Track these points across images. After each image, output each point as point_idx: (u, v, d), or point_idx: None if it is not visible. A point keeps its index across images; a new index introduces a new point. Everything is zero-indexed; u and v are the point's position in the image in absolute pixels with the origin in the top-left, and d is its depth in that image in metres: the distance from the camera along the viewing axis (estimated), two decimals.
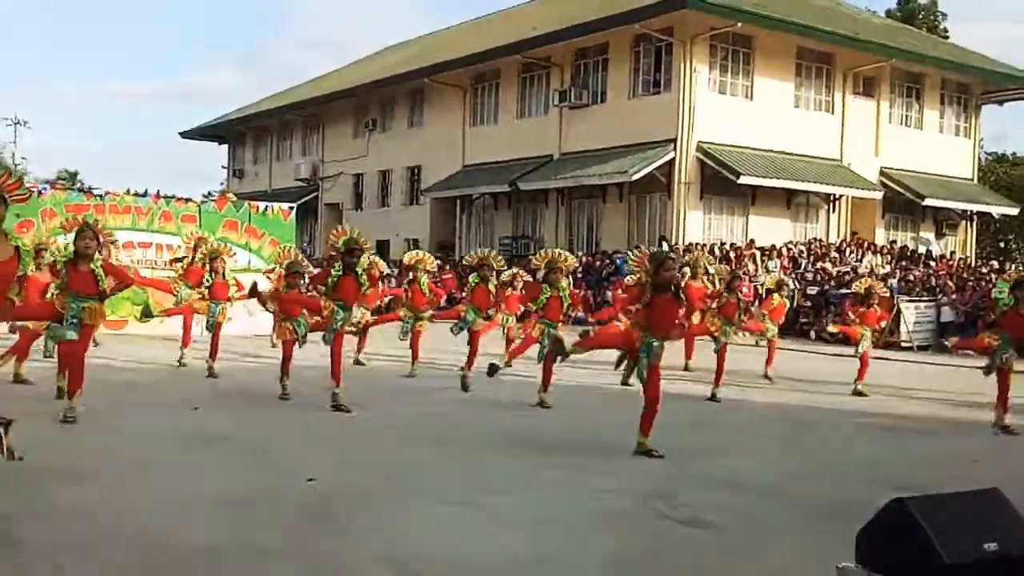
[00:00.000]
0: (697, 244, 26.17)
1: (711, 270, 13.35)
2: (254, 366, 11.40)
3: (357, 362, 12.66)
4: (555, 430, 8.64)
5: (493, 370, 9.40)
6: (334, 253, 9.24)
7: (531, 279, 12.38)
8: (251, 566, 4.46)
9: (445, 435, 8.17)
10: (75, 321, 7.80)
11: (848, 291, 22.16)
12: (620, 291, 12.13)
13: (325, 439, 7.85)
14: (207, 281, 11.45)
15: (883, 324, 12.70)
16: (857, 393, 11.87)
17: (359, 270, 9.16)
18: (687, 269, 12.66)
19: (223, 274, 11.50)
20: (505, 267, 12.20)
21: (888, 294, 12.68)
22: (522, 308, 11.86)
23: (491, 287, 11.23)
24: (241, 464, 6.67)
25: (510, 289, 12.48)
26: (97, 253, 8.12)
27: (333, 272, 9.13)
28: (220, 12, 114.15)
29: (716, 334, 11.10)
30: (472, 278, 11.28)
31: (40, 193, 17.01)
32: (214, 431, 7.86)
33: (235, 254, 12.19)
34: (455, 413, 9.48)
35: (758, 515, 5.77)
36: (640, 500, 5.95)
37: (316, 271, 10.68)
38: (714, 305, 11.39)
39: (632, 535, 5.22)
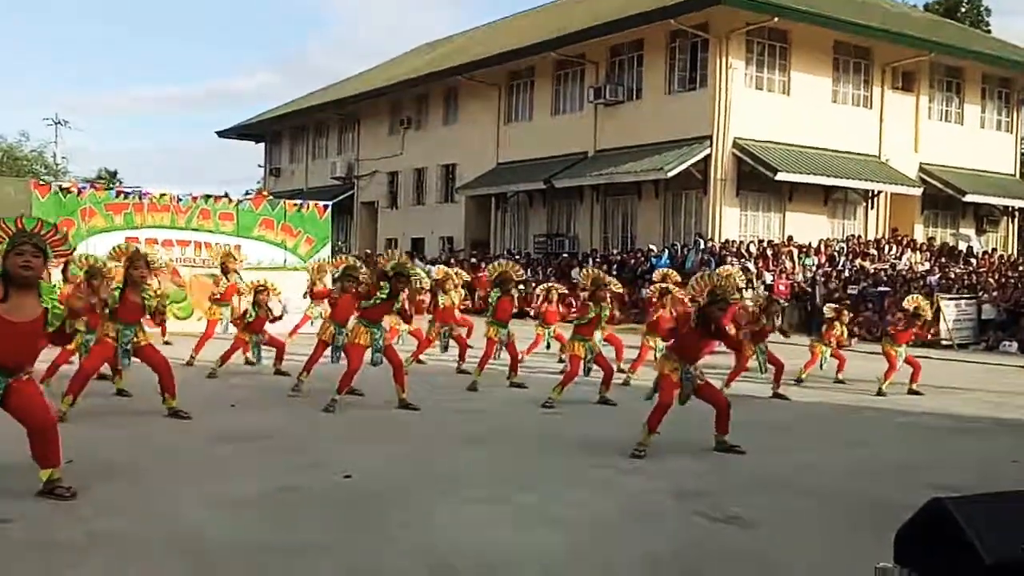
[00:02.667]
0: (733, 241, 26.04)
1: (742, 286, 13.20)
2: (291, 364, 11.47)
3: (419, 360, 12.81)
4: (594, 429, 8.62)
5: (548, 404, 9.64)
6: (385, 272, 9.33)
7: (567, 292, 12.54)
8: (289, 562, 4.49)
9: (486, 434, 8.18)
10: (128, 348, 8.25)
11: (886, 289, 22.05)
12: (660, 305, 12.09)
13: (362, 436, 7.89)
14: (250, 315, 11.49)
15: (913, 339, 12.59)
16: (913, 392, 11.84)
17: (401, 297, 9.33)
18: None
19: (265, 307, 11.47)
20: (522, 275, 12.23)
21: (928, 311, 12.55)
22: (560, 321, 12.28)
23: (514, 298, 11.31)
24: (279, 461, 6.72)
25: (547, 304, 12.59)
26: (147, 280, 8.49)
27: (379, 292, 9.23)
28: (257, 15, 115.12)
29: (750, 355, 11.05)
30: (493, 293, 11.29)
31: (80, 192, 17.24)
32: (252, 428, 7.95)
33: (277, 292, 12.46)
34: (498, 412, 9.50)
35: (798, 515, 5.73)
36: (678, 499, 5.93)
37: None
38: (746, 330, 11.26)
39: (669, 534, 5.19)
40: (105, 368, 9.21)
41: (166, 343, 14.19)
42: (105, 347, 8.26)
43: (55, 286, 5.68)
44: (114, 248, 10.14)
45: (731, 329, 8.51)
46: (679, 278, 12.53)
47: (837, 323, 12.79)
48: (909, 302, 12.40)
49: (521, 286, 12.82)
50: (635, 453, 7.17)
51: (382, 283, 9.25)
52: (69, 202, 16.86)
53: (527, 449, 7.58)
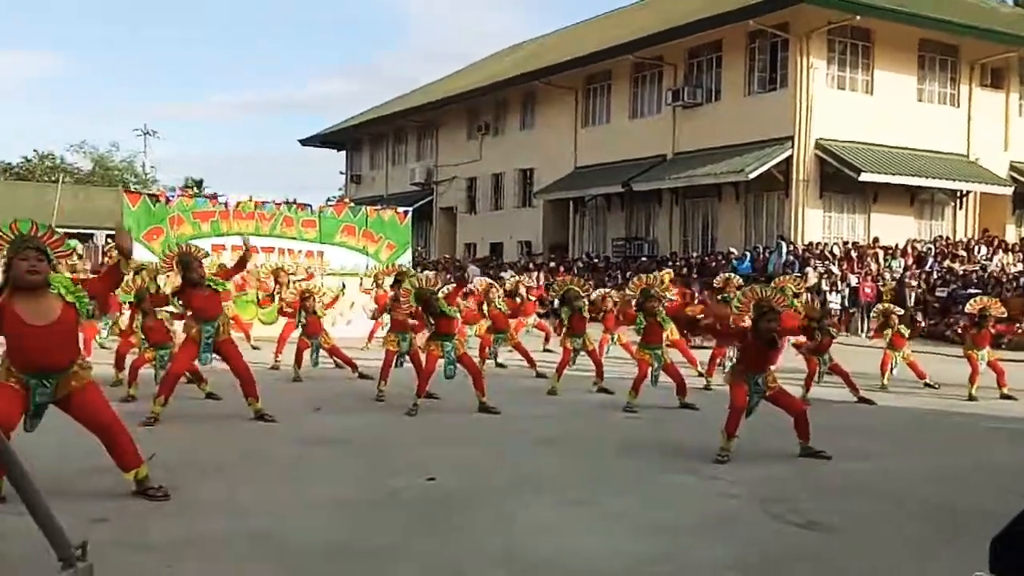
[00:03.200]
0: (816, 244, 25.61)
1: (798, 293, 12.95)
2: (371, 370, 11.64)
3: (499, 365, 12.94)
4: (674, 434, 8.57)
5: (629, 408, 9.66)
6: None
7: (621, 299, 12.51)
8: (371, 565, 4.55)
9: (567, 438, 8.20)
10: (209, 342, 8.38)
11: (977, 291, 21.43)
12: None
13: (444, 440, 7.96)
14: (302, 321, 11.87)
15: (1005, 337, 12.17)
16: (1006, 397, 11.54)
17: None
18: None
19: (314, 311, 11.89)
20: (588, 289, 12.24)
21: (1003, 310, 12.06)
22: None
23: (584, 312, 11.31)
24: (362, 464, 6.82)
25: (602, 311, 12.64)
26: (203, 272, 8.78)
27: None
28: (333, 21, 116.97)
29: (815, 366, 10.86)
30: (564, 312, 11.36)
31: (168, 200, 17.72)
32: (336, 432, 8.07)
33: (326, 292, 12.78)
34: (578, 416, 9.51)
35: (881, 521, 5.61)
36: (759, 504, 5.86)
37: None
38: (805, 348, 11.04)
39: (750, 539, 5.13)
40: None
41: (253, 347, 14.55)
42: (190, 347, 8.43)
43: (67, 277, 5.67)
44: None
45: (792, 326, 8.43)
46: (741, 282, 12.34)
47: (888, 326, 12.43)
48: (972, 305, 12.04)
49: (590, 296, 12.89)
50: (718, 459, 7.10)
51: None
52: (158, 210, 17.33)
53: (608, 453, 7.56)
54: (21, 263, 5.20)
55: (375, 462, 6.89)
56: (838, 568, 4.76)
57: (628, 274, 27.78)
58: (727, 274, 13.78)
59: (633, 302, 10.21)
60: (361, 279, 17.40)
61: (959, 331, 12.14)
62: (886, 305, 13.25)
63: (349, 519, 5.32)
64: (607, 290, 13.62)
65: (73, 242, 28.27)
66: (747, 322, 7.48)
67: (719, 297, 12.24)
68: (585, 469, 6.95)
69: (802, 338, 9.89)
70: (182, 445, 6.98)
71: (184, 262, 8.74)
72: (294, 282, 13.99)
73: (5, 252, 5.33)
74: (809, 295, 20.53)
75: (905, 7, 26.01)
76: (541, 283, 21.57)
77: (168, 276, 10.49)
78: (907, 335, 12.47)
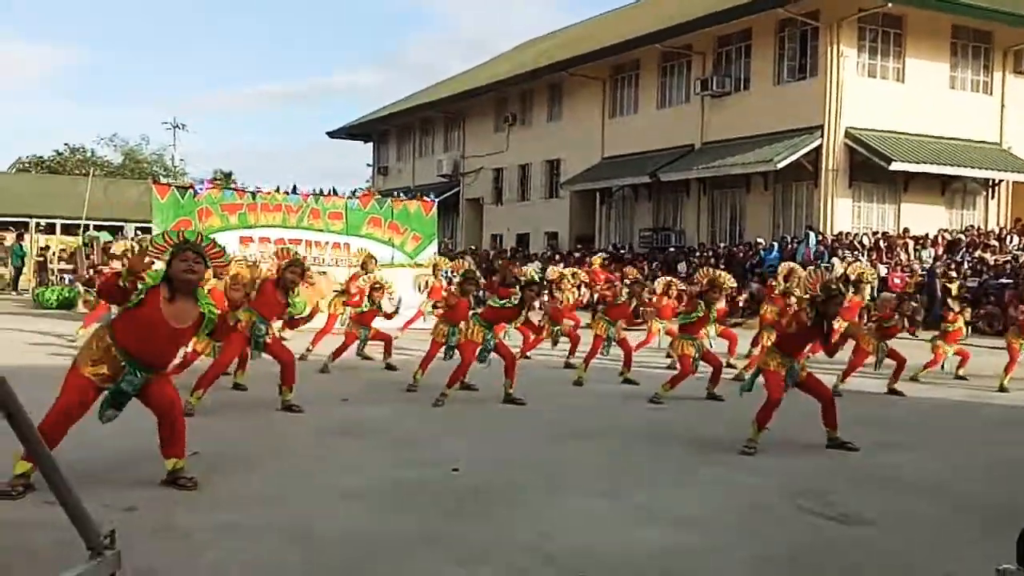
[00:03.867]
0: (846, 234, 25.40)
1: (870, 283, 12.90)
2: (400, 359, 11.68)
3: (525, 356, 12.92)
4: (701, 425, 8.54)
5: (655, 399, 9.66)
6: (517, 279, 9.53)
7: (686, 289, 12.47)
8: (398, 553, 4.57)
9: (594, 429, 8.18)
10: (261, 340, 8.56)
11: (1008, 281, 21.17)
12: (771, 306, 11.97)
13: (470, 431, 7.96)
14: (364, 306, 11.98)
15: None
16: None
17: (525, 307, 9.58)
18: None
19: (378, 303, 11.94)
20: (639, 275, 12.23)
21: None
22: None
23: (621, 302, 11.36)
24: (389, 455, 6.84)
25: (666, 298, 12.57)
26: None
27: (512, 298, 9.44)
28: (359, 13, 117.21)
29: (870, 351, 10.77)
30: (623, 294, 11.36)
31: (196, 193, 17.83)
32: (363, 422, 8.11)
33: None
34: (605, 407, 9.50)
35: (915, 514, 5.56)
36: (788, 496, 5.82)
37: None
38: (873, 324, 10.98)
39: (779, 532, 5.10)
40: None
41: (283, 338, 14.59)
42: (238, 338, 8.40)
43: (207, 292, 5.95)
44: (280, 249, 10.67)
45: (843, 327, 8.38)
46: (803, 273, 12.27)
47: (961, 317, 12.32)
48: None
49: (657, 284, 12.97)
50: (745, 450, 7.07)
51: (513, 290, 9.40)
52: (187, 202, 17.43)
53: (635, 445, 7.54)
54: (180, 263, 5.45)
55: (403, 453, 6.91)
56: (870, 561, 4.72)
57: (655, 264, 27.77)
58: (790, 263, 13.67)
59: (698, 290, 10.25)
60: (418, 283, 17.16)
61: (1020, 316, 11.93)
62: (956, 294, 13.14)
63: (375, 509, 5.33)
64: (670, 279, 13.50)
65: (104, 234, 28.56)
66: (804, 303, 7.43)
67: (783, 288, 12.14)
68: (612, 461, 6.93)
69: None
70: (210, 436, 7.02)
71: (293, 263, 8.85)
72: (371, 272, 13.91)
73: (167, 255, 5.56)
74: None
75: None
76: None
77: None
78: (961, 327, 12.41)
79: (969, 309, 12.68)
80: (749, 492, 5.96)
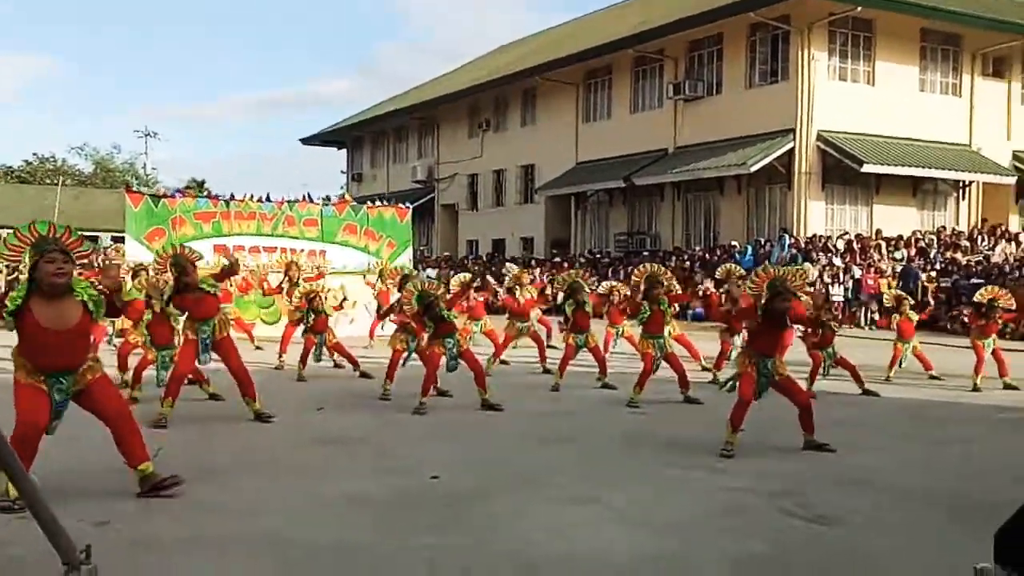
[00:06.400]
0: (819, 236, 25.57)
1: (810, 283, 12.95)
2: (374, 368, 11.65)
3: (502, 362, 12.91)
4: (679, 429, 8.55)
5: (633, 405, 9.64)
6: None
7: (628, 293, 12.44)
8: (378, 563, 4.54)
9: (571, 434, 8.17)
10: (207, 343, 8.36)
11: (980, 281, 21.39)
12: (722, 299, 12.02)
13: (448, 438, 7.94)
14: (308, 320, 11.76)
15: (1010, 326, 12.13)
16: (1009, 387, 11.49)
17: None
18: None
19: (322, 310, 11.79)
20: (595, 283, 12.24)
21: (1011, 300, 12.04)
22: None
23: (587, 308, 11.22)
24: (365, 463, 6.81)
25: (608, 304, 12.64)
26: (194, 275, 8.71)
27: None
28: (332, 21, 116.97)
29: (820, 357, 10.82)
30: (568, 306, 11.20)
31: (170, 199, 17.70)
32: (339, 431, 8.06)
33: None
34: (582, 412, 9.49)
35: (890, 513, 5.59)
36: (766, 499, 5.83)
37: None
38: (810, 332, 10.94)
39: (758, 534, 5.11)
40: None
41: (257, 348, 14.55)
42: (190, 346, 8.41)
43: (80, 277, 5.63)
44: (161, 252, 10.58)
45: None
46: (743, 272, 12.29)
47: (897, 311, 12.39)
48: (982, 295, 12.00)
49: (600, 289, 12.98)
50: (723, 452, 7.09)
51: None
52: (161, 211, 17.32)
53: (613, 449, 7.54)
54: (47, 265, 5.18)
55: (379, 461, 6.88)
56: (848, 561, 4.74)
57: (630, 269, 27.84)
58: (728, 264, 13.72)
59: (640, 290, 10.20)
60: (364, 275, 17.37)
61: (967, 320, 12.08)
62: (895, 291, 13.21)
63: (354, 518, 5.30)
64: (615, 283, 13.56)
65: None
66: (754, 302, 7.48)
67: (722, 289, 12.24)
68: (590, 465, 6.93)
69: (807, 330, 9.86)
70: (186, 446, 6.97)
71: (178, 264, 8.72)
72: (303, 279, 13.94)
73: (27, 254, 5.31)
74: (817, 287, 20.51)
75: None
76: (542, 278, 21.46)
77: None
78: (915, 320, 12.40)
79: (907, 301, 12.56)
80: (727, 494, 5.96)
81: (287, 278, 13.88)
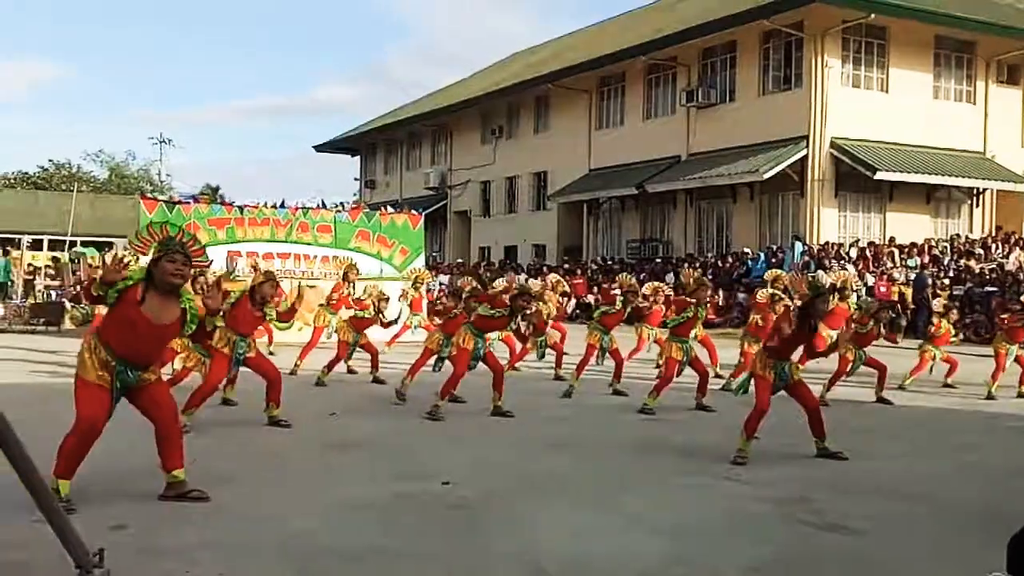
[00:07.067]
0: (832, 243, 25.50)
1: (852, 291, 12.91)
2: (388, 373, 11.67)
3: (514, 368, 12.92)
4: (691, 435, 8.54)
5: (645, 410, 9.64)
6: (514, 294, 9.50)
7: (673, 294, 12.45)
8: (392, 567, 4.55)
9: (584, 440, 8.18)
10: (241, 358, 8.48)
11: (994, 289, 21.29)
12: (759, 312, 11.90)
13: (461, 443, 7.95)
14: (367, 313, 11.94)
15: None
16: (1022, 395, 11.48)
17: (519, 317, 9.42)
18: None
19: (381, 312, 11.95)
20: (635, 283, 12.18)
21: None
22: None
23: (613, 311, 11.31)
24: (378, 468, 6.82)
25: (654, 305, 12.55)
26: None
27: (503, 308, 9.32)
28: (347, 29, 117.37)
29: (851, 358, 10.79)
30: (609, 309, 11.34)
31: (185, 206, 17.80)
32: (352, 436, 8.08)
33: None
34: (595, 418, 9.50)
35: (903, 521, 5.58)
36: (779, 506, 5.83)
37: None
38: (854, 329, 10.89)
39: (770, 541, 5.11)
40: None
41: (271, 353, 14.56)
42: (222, 360, 8.42)
43: (189, 290, 5.92)
44: (254, 264, 10.63)
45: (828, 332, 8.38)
46: (788, 276, 12.26)
47: (945, 320, 12.35)
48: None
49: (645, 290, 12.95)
50: (736, 460, 7.07)
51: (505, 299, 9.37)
52: (175, 217, 17.40)
53: (625, 455, 7.54)
54: (169, 264, 5.42)
55: (393, 466, 6.88)
56: (860, 570, 4.73)
57: (643, 276, 27.80)
58: (775, 270, 13.69)
59: (687, 291, 10.24)
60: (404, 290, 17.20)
61: (1004, 322, 12.04)
62: (943, 300, 13.20)
63: (367, 523, 5.31)
64: (658, 283, 13.42)
65: (90, 250, 28.44)
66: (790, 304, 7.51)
67: (769, 294, 12.13)
68: (602, 472, 6.93)
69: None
70: (200, 451, 6.99)
71: (268, 277, 8.78)
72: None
73: (152, 251, 5.54)
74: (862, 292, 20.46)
75: (920, 4, 25.86)
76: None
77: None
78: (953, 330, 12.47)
79: (956, 311, 12.63)
80: (740, 501, 5.96)
81: (347, 282, 13.73)
